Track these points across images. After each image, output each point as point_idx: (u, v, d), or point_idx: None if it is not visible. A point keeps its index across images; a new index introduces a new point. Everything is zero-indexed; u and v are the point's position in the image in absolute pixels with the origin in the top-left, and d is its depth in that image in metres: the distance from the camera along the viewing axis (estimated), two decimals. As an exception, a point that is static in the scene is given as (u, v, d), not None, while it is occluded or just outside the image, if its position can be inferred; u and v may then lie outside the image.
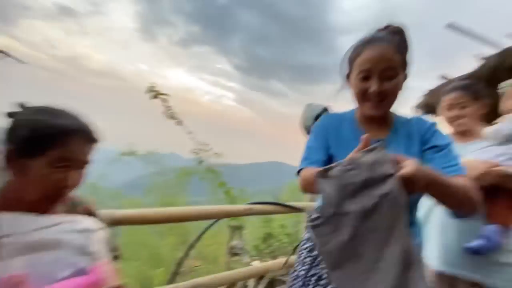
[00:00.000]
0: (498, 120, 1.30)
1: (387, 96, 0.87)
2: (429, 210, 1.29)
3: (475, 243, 1.10)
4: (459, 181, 0.80)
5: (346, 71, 0.97)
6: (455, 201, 0.79)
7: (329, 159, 0.96)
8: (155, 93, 2.91)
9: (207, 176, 4.30)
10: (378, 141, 0.91)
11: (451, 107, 1.36)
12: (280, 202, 1.83)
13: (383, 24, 0.94)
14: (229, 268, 3.40)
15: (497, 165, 1.11)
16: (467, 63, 3.97)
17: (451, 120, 1.37)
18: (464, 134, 1.34)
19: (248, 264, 3.50)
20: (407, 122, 0.97)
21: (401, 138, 0.93)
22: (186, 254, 1.73)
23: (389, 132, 0.94)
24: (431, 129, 0.92)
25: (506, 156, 1.14)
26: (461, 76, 4.01)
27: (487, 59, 3.70)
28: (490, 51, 3.70)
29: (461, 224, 1.14)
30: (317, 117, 2.29)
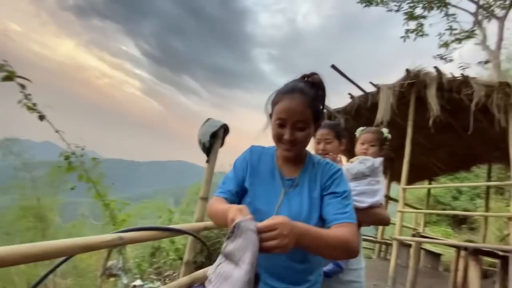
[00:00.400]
0: (353, 159, 1.55)
1: (298, 143, 0.96)
2: None
3: (328, 267, 1.28)
4: (339, 231, 0.85)
5: (269, 111, 1.03)
6: (329, 252, 0.84)
7: (244, 192, 1.02)
8: (8, 74, 2.01)
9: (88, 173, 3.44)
10: (290, 180, 1.01)
11: (319, 141, 1.57)
12: (161, 226, 1.68)
13: (306, 70, 1.01)
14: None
15: None
16: (344, 98, 4.93)
17: (317, 152, 1.57)
18: None
19: (127, 285, 3.11)
20: (317, 164, 1.04)
21: (307, 180, 1.00)
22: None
23: (300, 172, 1.02)
24: (333, 176, 0.99)
25: (354, 192, 1.33)
26: (337, 108, 4.97)
27: (354, 98, 4.72)
28: (358, 92, 4.72)
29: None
30: (213, 134, 2.27)
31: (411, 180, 6.06)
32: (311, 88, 0.98)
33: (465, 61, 7.79)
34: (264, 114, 1.07)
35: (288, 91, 0.96)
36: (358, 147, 1.58)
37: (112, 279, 3.32)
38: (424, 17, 7.11)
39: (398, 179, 5.94)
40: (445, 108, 3.99)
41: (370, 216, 1.38)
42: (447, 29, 7.20)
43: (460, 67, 7.97)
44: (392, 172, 6.70)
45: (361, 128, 1.64)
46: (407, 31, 7.37)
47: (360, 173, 1.43)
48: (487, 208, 6.68)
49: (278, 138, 0.97)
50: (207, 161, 2.29)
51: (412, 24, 7.27)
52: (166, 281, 3.30)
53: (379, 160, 1.47)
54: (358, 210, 1.28)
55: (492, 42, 6.25)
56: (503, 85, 3.26)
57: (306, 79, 1.01)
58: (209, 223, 2.13)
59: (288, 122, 0.93)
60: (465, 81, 3.57)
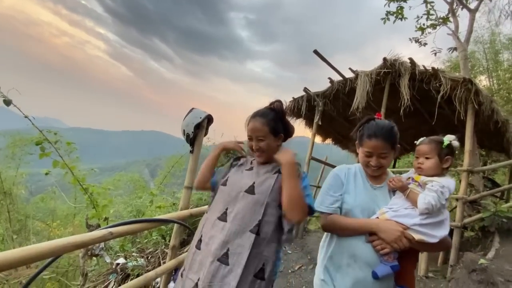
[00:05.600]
0: (419, 177, 1.25)
1: (263, 151, 1.34)
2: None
3: (382, 268, 1.17)
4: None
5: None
6: (300, 194, 1.18)
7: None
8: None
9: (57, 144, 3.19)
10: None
11: (370, 154, 1.26)
12: (148, 218, 1.75)
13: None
14: (84, 273, 3.00)
15: (406, 229, 1.16)
16: (324, 83, 5.02)
17: (367, 165, 1.30)
18: (375, 177, 1.34)
19: (110, 264, 3.20)
20: None
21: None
22: None
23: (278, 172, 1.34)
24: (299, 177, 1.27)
25: (421, 224, 1.15)
26: (316, 92, 5.08)
27: (334, 83, 4.85)
28: (337, 77, 4.83)
29: (378, 284, 1.19)
30: (198, 125, 2.28)
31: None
32: (270, 113, 1.37)
33: (438, 46, 8.21)
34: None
35: (253, 115, 1.37)
36: (414, 161, 1.32)
37: (94, 258, 3.38)
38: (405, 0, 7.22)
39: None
40: (415, 97, 4.26)
41: (435, 246, 1.20)
42: (424, 14, 7.45)
43: (432, 51, 8.36)
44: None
45: (420, 139, 1.33)
46: (388, 13, 7.50)
47: (437, 208, 1.14)
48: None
49: (251, 148, 1.36)
50: (191, 152, 2.32)
51: (393, 6, 7.42)
52: (149, 258, 3.43)
53: (453, 184, 1.19)
54: (425, 242, 1.15)
55: (463, 32, 6.59)
56: (466, 82, 3.55)
57: (270, 105, 1.40)
58: (194, 210, 2.23)
59: (253, 138, 1.33)
60: (435, 73, 3.81)
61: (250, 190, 1.23)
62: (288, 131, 1.43)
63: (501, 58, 12.98)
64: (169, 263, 2.08)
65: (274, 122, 1.34)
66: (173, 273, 2.31)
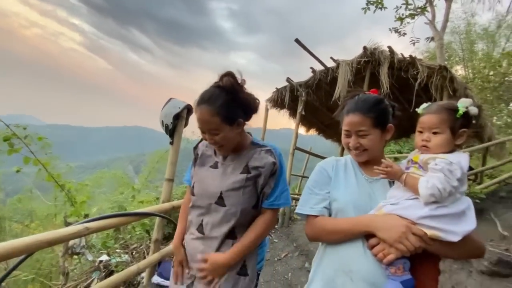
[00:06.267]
0: (419, 156, 0.95)
1: (222, 145, 1.11)
2: None
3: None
4: (258, 224, 1.16)
5: None
6: (258, 242, 1.18)
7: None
8: None
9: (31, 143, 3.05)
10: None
11: (348, 134, 1.02)
12: (128, 211, 1.70)
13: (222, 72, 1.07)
14: (65, 273, 2.91)
15: (414, 225, 0.86)
16: (308, 73, 5.03)
17: (348, 147, 1.06)
18: (366, 162, 1.07)
19: (92, 262, 3.12)
20: (259, 149, 1.17)
21: (241, 163, 1.16)
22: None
23: (243, 161, 1.16)
24: (275, 173, 1.15)
25: (435, 215, 0.85)
26: (299, 82, 5.09)
27: (316, 72, 4.87)
28: (319, 67, 4.86)
29: None
30: (177, 116, 2.23)
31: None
32: (220, 94, 1.05)
33: (416, 36, 8.42)
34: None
35: (198, 102, 1.07)
36: (417, 137, 0.99)
37: (75, 257, 3.28)
38: (384, -10, 7.33)
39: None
40: (394, 85, 4.36)
41: (459, 248, 0.87)
42: (403, 4, 7.61)
43: (411, 41, 8.57)
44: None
45: (423, 105, 1.01)
46: (368, 2, 7.62)
47: (446, 193, 0.84)
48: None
49: (209, 142, 1.12)
50: (171, 143, 2.27)
51: (374, -4, 7.53)
52: (133, 254, 3.37)
53: (465, 159, 0.88)
54: (443, 242, 0.85)
55: (440, 22, 6.78)
56: (442, 69, 3.66)
57: (219, 83, 1.07)
58: (176, 203, 2.20)
59: (204, 131, 1.09)
60: (413, 61, 3.90)
61: (220, 202, 1.13)
62: (249, 108, 1.12)
63: (476, 48, 13.52)
64: (152, 257, 2.05)
65: (226, 108, 1.04)
66: (157, 267, 2.28)
